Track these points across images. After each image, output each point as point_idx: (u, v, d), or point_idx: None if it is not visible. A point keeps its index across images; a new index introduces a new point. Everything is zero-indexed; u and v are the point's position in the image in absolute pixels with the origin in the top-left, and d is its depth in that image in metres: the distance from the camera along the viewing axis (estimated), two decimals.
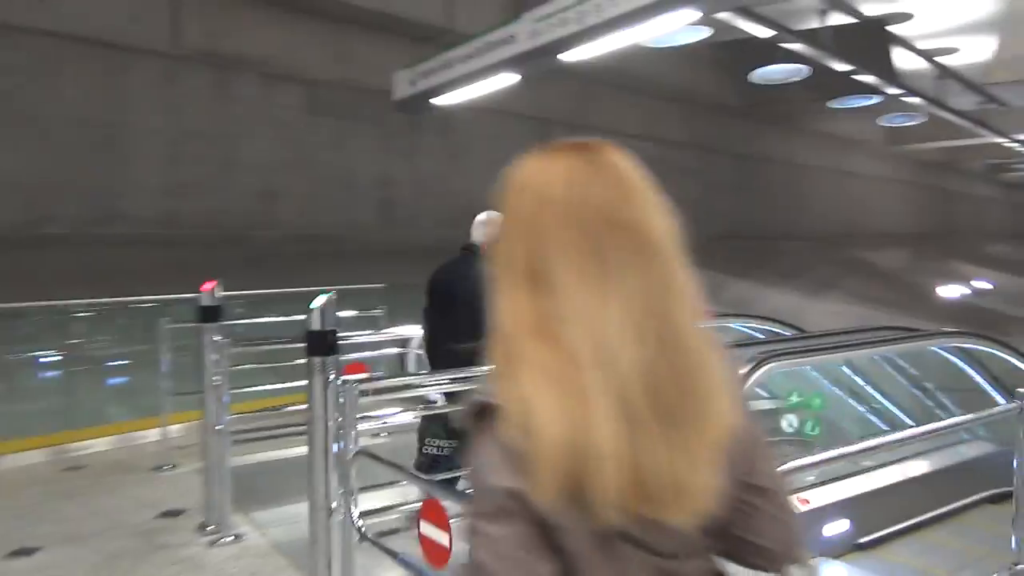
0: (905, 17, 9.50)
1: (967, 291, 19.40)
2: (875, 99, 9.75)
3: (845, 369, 4.62)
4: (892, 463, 3.95)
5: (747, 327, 4.54)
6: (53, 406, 5.99)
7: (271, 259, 8.23)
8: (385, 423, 3.57)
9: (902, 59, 10.65)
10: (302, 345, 2.74)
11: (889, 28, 9.58)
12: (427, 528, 2.08)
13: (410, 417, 3.53)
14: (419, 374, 4.41)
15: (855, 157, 19.66)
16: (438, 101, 7.40)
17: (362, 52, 9.25)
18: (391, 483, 2.96)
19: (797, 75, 8.15)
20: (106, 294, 6.27)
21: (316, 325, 2.68)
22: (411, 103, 7.62)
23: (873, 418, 4.77)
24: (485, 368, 0.90)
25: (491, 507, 0.84)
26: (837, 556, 3.38)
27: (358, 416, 2.62)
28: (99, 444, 5.50)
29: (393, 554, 2.33)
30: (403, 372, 5.04)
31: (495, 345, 0.88)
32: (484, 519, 0.84)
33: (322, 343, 2.69)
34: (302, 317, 2.75)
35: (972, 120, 12.47)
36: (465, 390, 2.77)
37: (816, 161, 18.29)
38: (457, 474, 3.21)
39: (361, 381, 2.64)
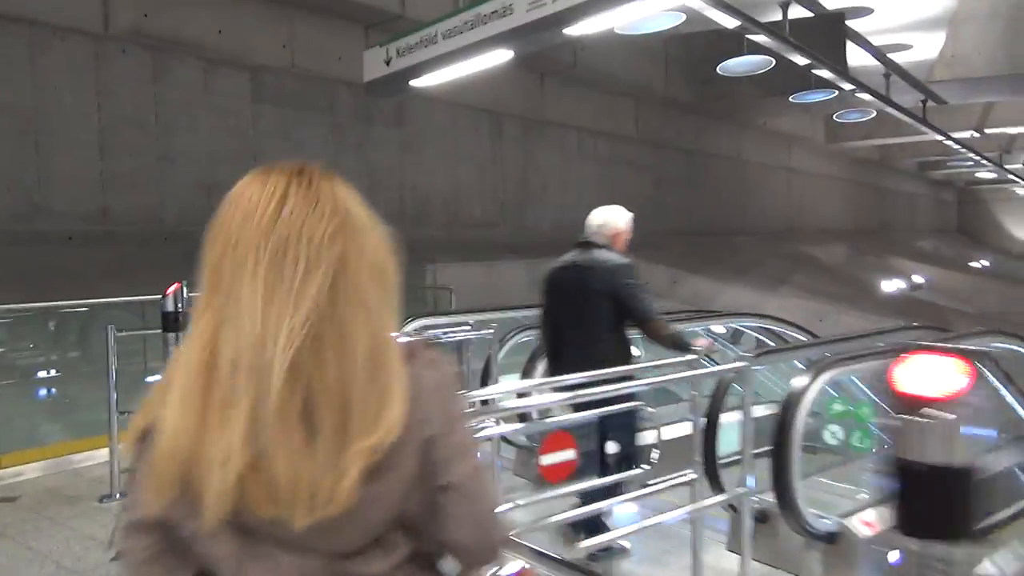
0: (866, 11, 9.52)
1: (905, 286, 19.94)
2: (832, 94, 9.74)
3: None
4: None
5: (752, 326, 4.30)
6: None
7: None
8: None
9: (855, 55, 10.70)
10: None
11: (849, 23, 9.58)
12: None
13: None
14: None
15: (797, 153, 19.97)
16: (419, 83, 6.42)
17: (311, 37, 8.74)
18: None
19: (765, 67, 8.01)
20: (31, 297, 5.63)
21: (170, 307, 3.37)
22: (384, 85, 6.65)
23: None
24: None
25: (125, 522, 0.93)
26: None
27: None
28: (31, 470, 4.77)
29: None
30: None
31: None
32: (123, 534, 0.95)
33: (174, 322, 3.41)
34: None
35: (916, 118, 12.65)
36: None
37: (760, 158, 18.48)
38: None
39: None
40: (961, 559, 2.15)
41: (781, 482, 2.88)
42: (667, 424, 2.97)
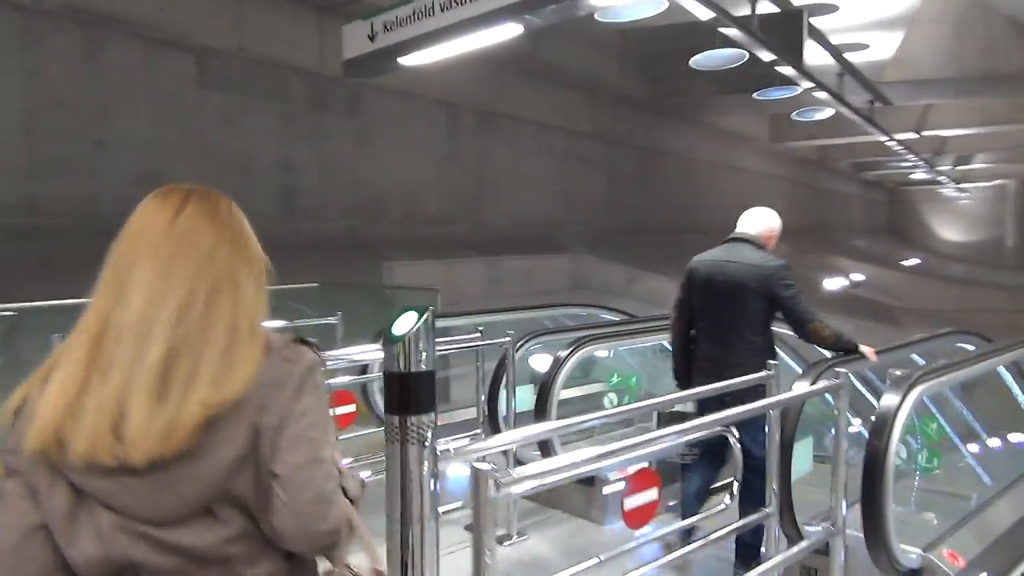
0: (831, 8, 9.51)
1: (846, 282, 20.38)
2: (796, 91, 9.70)
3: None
4: None
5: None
6: None
7: None
8: None
9: (812, 53, 10.72)
10: None
11: (813, 19, 9.55)
12: None
13: None
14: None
15: (743, 152, 20.16)
16: (407, 60, 5.74)
17: (263, 20, 8.17)
18: None
19: (738, 60, 7.86)
20: None
21: None
22: (368, 64, 5.97)
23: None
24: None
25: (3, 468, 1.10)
26: None
27: None
28: None
29: None
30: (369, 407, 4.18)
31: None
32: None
33: None
34: None
35: (866, 118, 12.81)
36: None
37: (709, 156, 18.56)
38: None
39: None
40: None
41: (875, 517, 2.51)
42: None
